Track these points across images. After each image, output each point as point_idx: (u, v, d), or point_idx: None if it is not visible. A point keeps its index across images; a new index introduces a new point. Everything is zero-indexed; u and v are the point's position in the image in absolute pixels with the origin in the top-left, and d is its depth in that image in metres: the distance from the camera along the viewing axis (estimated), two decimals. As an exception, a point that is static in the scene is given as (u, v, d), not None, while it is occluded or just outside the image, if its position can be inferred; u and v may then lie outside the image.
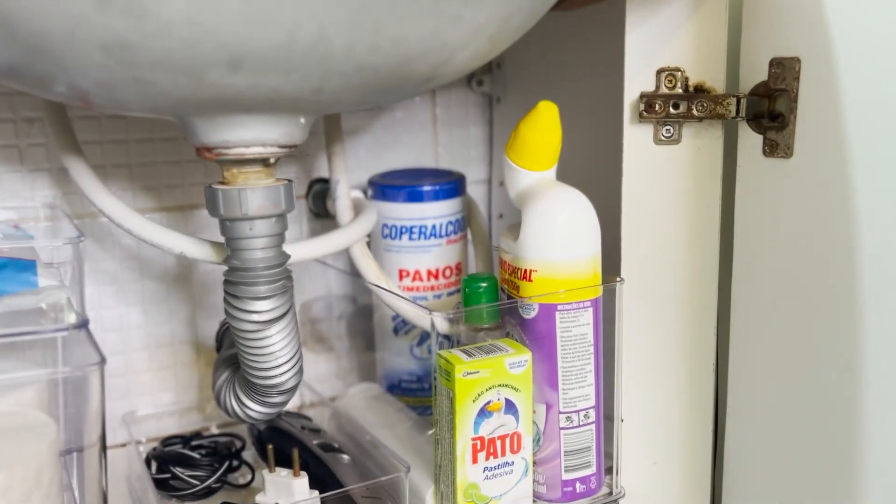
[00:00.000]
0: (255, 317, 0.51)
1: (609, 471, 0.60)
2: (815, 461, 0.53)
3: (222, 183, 0.50)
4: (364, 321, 0.79)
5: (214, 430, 0.73)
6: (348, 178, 0.75)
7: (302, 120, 0.47)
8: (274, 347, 0.54)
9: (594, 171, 0.68)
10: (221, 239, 0.52)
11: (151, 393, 0.73)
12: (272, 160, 0.49)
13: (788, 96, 0.52)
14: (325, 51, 0.40)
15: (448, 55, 0.45)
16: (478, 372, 0.52)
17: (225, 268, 0.52)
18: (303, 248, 0.58)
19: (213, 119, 0.46)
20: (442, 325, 0.59)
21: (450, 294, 0.70)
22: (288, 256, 0.53)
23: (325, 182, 0.77)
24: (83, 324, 0.47)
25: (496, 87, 0.84)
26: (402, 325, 0.71)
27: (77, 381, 0.47)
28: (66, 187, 0.67)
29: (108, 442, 0.71)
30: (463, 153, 0.85)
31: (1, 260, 0.50)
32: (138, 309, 0.72)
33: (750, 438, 0.58)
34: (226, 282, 0.52)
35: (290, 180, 0.52)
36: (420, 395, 0.72)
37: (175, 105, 0.43)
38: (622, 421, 0.60)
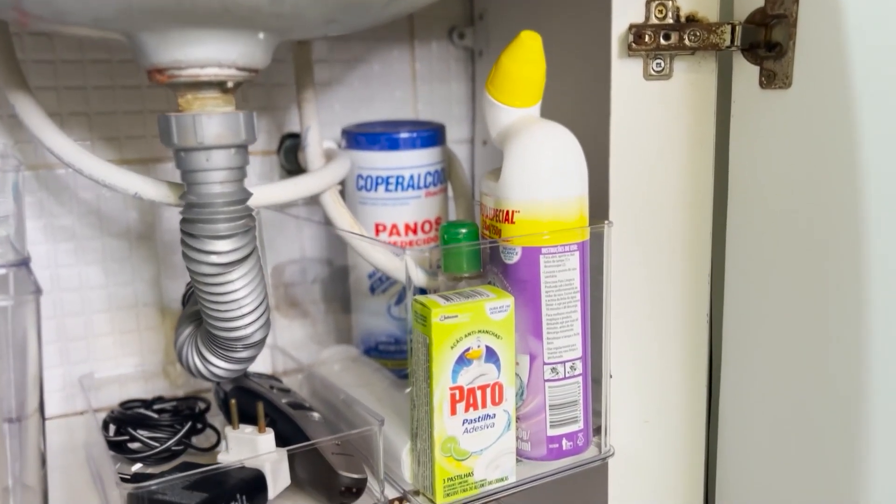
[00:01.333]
0: (214, 258, 0.48)
1: (598, 430, 0.57)
2: (817, 415, 0.50)
3: (177, 111, 0.46)
4: (340, 284, 0.75)
5: (180, 396, 0.69)
6: (321, 131, 0.72)
7: (261, 36, 0.43)
8: (237, 294, 0.50)
9: (581, 112, 0.64)
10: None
11: (114, 357, 0.69)
12: (230, 84, 0.45)
13: (787, 22, 0.49)
14: (281, -55, 0.36)
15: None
16: (456, 316, 0.48)
17: (182, 210, 0.48)
18: (268, 191, 0.54)
19: (164, 34, 0.42)
20: (417, 274, 0.55)
21: (430, 250, 0.67)
22: (249, 194, 0.49)
23: (296, 137, 0.73)
24: (23, 262, 0.43)
25: (479, 40, 0.80)
26: (378, 283, 0.67)
27: (18, 329, 0.43)
28: (19, 135, 0.63)
29: (68, 409, 0.67)
30: (444, 110, 0.82)
31: (-66, 195, 0.45)
32: (98, 268, 0.68)
33: (747, 393, 0.55)
34: (182, 221, 0.48)
35: (251, 111, 0.48)
36: (398, 358, 0.68)
37: (119, 14, 0.39)
38: (611, 376, 0.57)
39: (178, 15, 0.39)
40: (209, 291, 0.50)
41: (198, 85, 0.44)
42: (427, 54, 0.80)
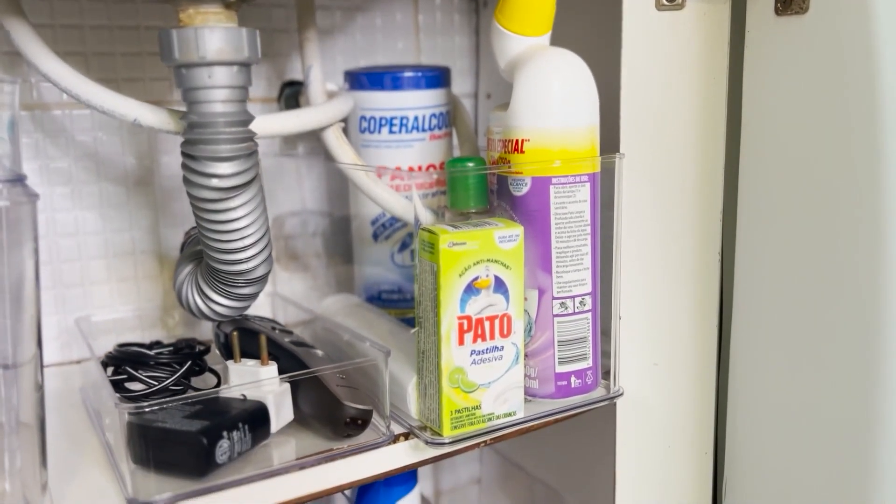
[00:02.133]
0: (215, 181, 0.46)
1: (606, 374, 0.56)
2: (830, 358, 0.49)
3: (178, 25, 0.44)
4: (341, 237, 0.74)
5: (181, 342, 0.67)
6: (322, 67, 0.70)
7: (266, -58, 0.42)
8: (239, 223, 0.49)
9: (592, 43, 0.63)
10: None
11: (110, 305, 0.67)
12: (233, -2, 0.44)
13: (804, -56, 0.48)
14: None
15: None
16: (465, 244, 0.47)
17: (183, 131, 0.46)
18: (270, 121, 0.53)
19: (165, -61, 0.40)
20: (424, 213, 0.54)
21: (433, 196, 0.65)
22: (252, 116, 0.47)
23: (297, 84, 0.71)
24: (18, 178, 0.41)
25: (482, -10, 0.79)
26: (382, 230, 0.66)
27: (14, 235, 0.41)
28: (14, 72, 0.61)
29: (64, 358, 0.66)
30: (448, 63, 0.80)
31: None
32: (96, 213, 0.66)
33: (758, 335, 0.54)
34: (183, 143, 0.47)
35: (255, 29, 0.46)
36: (402, 307, 0.67)
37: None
38: (620, 318, 0.56)
39: (181, -86, 0.38)
40: (210, 219, 0.48)
41: (199, -2, 0.43)
42: (430, 6, 0.79)
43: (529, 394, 0.53)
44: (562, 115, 0.50)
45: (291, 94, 0.71)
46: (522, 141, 0.50)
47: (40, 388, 0.44)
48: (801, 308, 0.50)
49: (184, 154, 0.47)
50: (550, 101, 0.49)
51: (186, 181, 0.47)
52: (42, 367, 0.44)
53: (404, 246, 0.66)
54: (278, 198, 0.74)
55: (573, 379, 0.53)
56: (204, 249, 0.51)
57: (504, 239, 0.48)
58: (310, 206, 0.75)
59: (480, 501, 0.90)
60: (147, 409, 0.43)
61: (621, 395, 0.55)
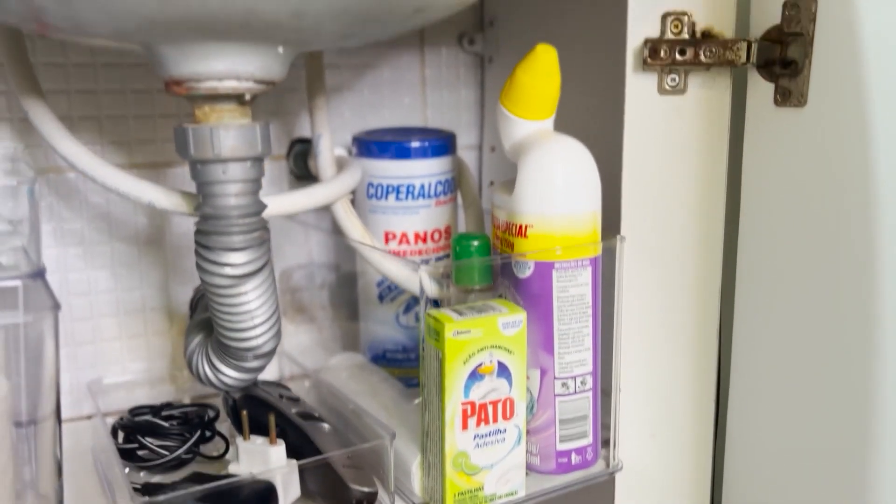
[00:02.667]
0: (228, 270, 0.48)
1: (606, 443, 0.57)
2: (824, 434, 0.50)
3: (194, 122, 0.46)
4: (348, 290, 0.75)
5: (187, 402, 0.69)
6: (332, 139, 0.72)
7: (280, 50, 0.43)
8: (249, 306, 0.50)
9: (594, 125, 0.64)
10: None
11: (121, 362, 0.69)
12: (248, 97, 0.45)
13: (804, 40, 0.49)
14: (305, -37, 0.36)
15: (441, -20, 0.41)
16: (469, 332, 0.48)
17: (197, 222, 0.48)
18: (281, 201, 0.54)
19: (183, 47, 0.42)
20: (431, 287, 0.55)
21: (438, 259, 0.67)
22: (264, 206, 0.49)
23: (307, 142, 0.72)
24: (38, 273, 0.42)
25: (488, 46, 0.80)
26: (387, 292, 0.67)
27: (33, 338, 0.43)
28: (29, 139, 0.62)
29: (75, 414, 0.67)
30: (453, 116, 0.82)
31: (-51, 204, 0.45)
32: (107, 273, 0.67)
33: (755, 410, 0.55)
34: (197, 232, 0.48)
35: (267, 122, 0.48)
36: (406, 366, 0.68)
37: (141, 26, 0.39)
38: (619, 390, 0.57)
39: (199, 29, 0.39)
40: (222, 302, 0.50)
41: (215, 97, 0.44)
42: (437, 60, 0.80)
43: (531, 468, 0.54)
44: (564, 202, 0.51)
45: (300, 152, 0.72)
46: (526, 226, 0.51)
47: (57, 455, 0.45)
48: (797, 386, 0.52)
49: (197, 243, 0.48)
50: (553, 190, 0.51)
51: (199, 268, 0.48)
52: (61, 427, 0.45)
53: (409, 308, 0.67)
54: (286, 251, 0.75)
55: (573, 455, 0.54)
56: (214, 325, 0.52)
57: (507, 325, 0.49)
58: (317, 259, 0.77)
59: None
60: (162, 500, 0.45)
61: (620, 469, 0.56)
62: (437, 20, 0.47)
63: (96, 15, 0.37)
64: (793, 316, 0.52)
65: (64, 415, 0.66)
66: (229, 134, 0.44)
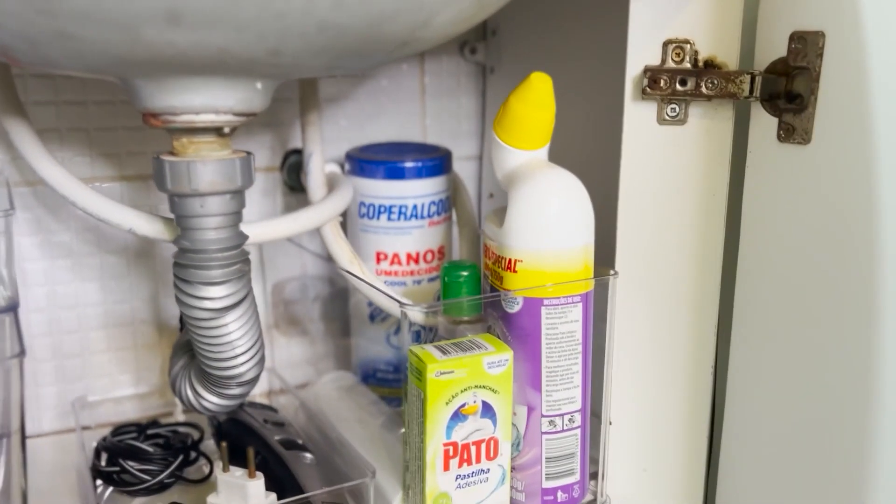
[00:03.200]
0: (207, 304, 0.46)
1: (595, 475, 0.56)
2: (820, 477, 0.49)
3: (172, 153, 0.44)
4: (340, 304, 0.74)
5: (179, 416, 0.68)
6: (327, 149, 0.70)
7: (259, 85, 0.42)
8: (230, 337, 0.49)
9: (591, 152, 0.62)
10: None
11: (110, 374, 0.68)
12: (227, 129, 0.44)
13: (809, 75, 0.47)
14: (279, 6, 0.34)
15: (426, 17, 0.39)
16: (452, 372, 0.47)
17: (175, 254, 0.47)
18: (264, 228, 0.53)
19: (158, 81, 0.40)
20: (418, 316, 0.54)
21: (431, 280, 0.65)
22: (245, 237, 0.47)
23: (300, 153, 0.71)
24: (10, 307, 0.42)
25: (490, 55, 0.78)
26: (378, 312, 0.66)
27: (5, 373, 0.42)
28: (15, 152, 0.61)
29: (63, 426, 0.67)
30: (453, 126, 0.80)
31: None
32: (96, 285, 0.67)
33: (748, 448, 0.54)
34: (175, 265, 0.47)
35: (248, 153, 0.46)
36: (396, 386, 0.67)
37: (112, 64, 0.38)
38: (610, 424, 0.56)
39: (172, 66, 0.38)
40: (203, 334, 0.49)
41: (193, 130, 0.43)
42: (437, 69, 0.78)
43: (516, 504, 0.53)
44: (555, 237, 0.49)
45: (294, 164, 0.70)
46: (515, 261, 0.50)
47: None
48: (792, 428, 0.50)
49: (176, 276, 0.47)
50: (543, 226, 0.49)
51: (179, 301, 0.47)
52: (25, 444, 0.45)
53: (400, 328, 0.66)
54: (278, 263, 0.74)
55: (560, 493, 0.53)
56: (196, 353, 0.51)
57: (493, 364, 0.48)
58: (311, 272, 0.76)
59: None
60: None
61: (608, 505, 0.55)
62: (423, 50, 0.45)
63: (64, 54, 0.36)
64: (790, 356, 0.50)
65: (51, 428, 0.67)
66: (207, 168, 0.43)
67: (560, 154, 0.54)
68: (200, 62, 0.38)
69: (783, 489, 0.51)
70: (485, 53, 0.79)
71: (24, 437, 0.49)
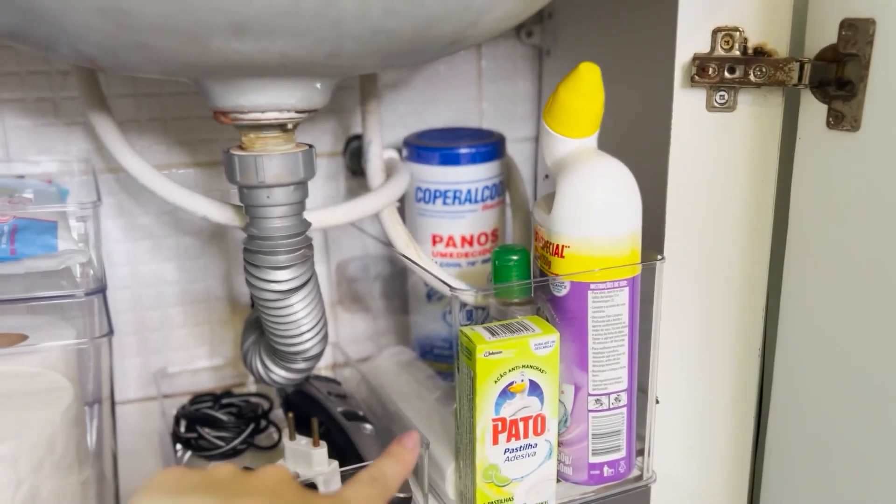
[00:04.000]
0: (274, 286, 0.50)
1: (641, 452, 0.58)
2: (866, 458, 0.49)
3: (240, 148, 0.48)
4: (400, 283, 0.77)
5: (251, 387, 0.73)
6: (386, 135, 0.73)
7: (318, 85, 0.45)
8: (296, 315, 0.53)
9: (643, 137, 0.63)
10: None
11: (187, 348, 0.74)
12: (290, 125, 0.47)
13: (859, 62, 0.47)
14: (334, 15, 0.37)
15: (474, 17, 0.41)
16: (500, 352, 0.49)
17: (245, 240, 0.51)
18: (326, 215, 0.56)
19: (227, 83, 0.44)
20: (468, 300, 0.57)
21: (485, 262, 0.68)
22: (308, 225, 0.51)
23: (361, 139, 0.74)
24: (99, 290, 0.46)
25: (546, 38, 0.79)
26: (434, 291, 0.69)
27: (96, 351, 0.47)
28: (99, 142, 0.66)
29: (146, 395, 0.73)
30: (509, 109, 0.81)
31: (23, 221, 0.49)
32: (174, 265, 0.72)
33: (795, 430, 0.55)
34: (245, 250, 0.51)
35: (310, 146, 0.49)
36: (451, 362, 0.70)
37: (184, 69, 0.41)
38: (658, 402, 0.57)
39: (239, 70, 0.41)
40: (271, 313, 0.52)
41: (259, 127, 0.46)
42: (494, 52, 0.80)
43: (564, 478, 0.56)
44: (602, 225, 0.51)
45: (356, 150, 0.74)
46: (563, 247, 0.52)
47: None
48: (838, 408, 0.51)
49: (246, 260, 0.51)
50: (591, 214, 0.51)
51: (249, 283, 0.51)
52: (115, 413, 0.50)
53: (461, 307, 0.69)
54: (342, 243, 0.78)
55: (606, 468, 0.55)
56: (265, 330, 0.55)
57: (540, 346, 0.50)
58: (372, 252, 0.79)
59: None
60: None
61: (654, 481, 0.57)
62: (469, 47, 0.47)
63: (141, 61, 0.40)
64: (838, 338, 0.51)
65: (135, 396, 0.72)
66: (273, 162, 0.47)
67: (613, 139, 0.55)
68: (264, 67, 0.41)
69: (829, 471, 0.52)
70: (541, 36, 0.80)
71: (113, 405, 0.54)
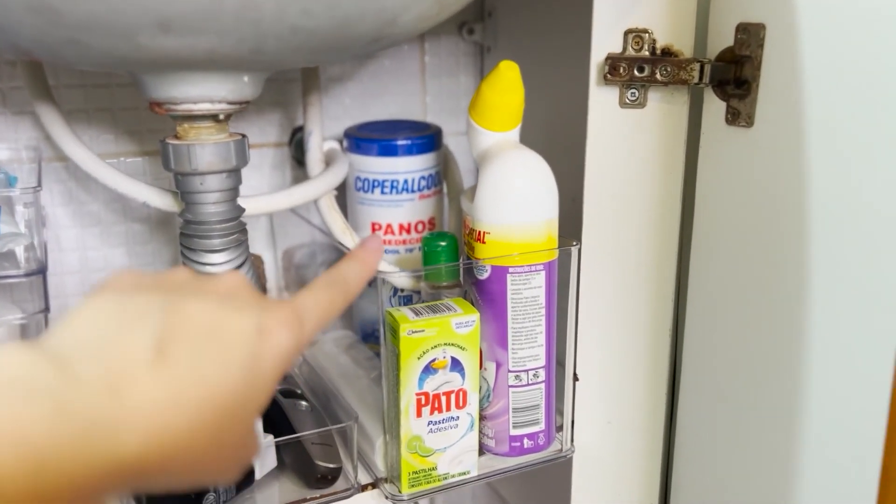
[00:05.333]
0: (209, 269, 0.53)
1: (562, 428, 0.62)
2: (769, 427, 0.54)
3: (175, 137, 0.51)
4: (345, 269, 0.80)
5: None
6: (330, 126, 0.76)
7: (246, 78, 0.48)
8: (232, 297, 0.56)
9: (569, 130, 0.67)
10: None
11: (136, 331, 0.76)
12: (222, 116, 0.50)
13: (753, 63, 0.51)
14: (254, 15, 0.40)
15: (390, 17, 0.44)
16: (423, 331, 0.53)
17: (181, 225, 0.53)
18: (260, 202, 0.59)
19: (159, 76, 0.46)
20: (401, 283, 0.60)
21: (418, 250, 0.71)
22: (242, 210, 0.54)
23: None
24: (39, 271, 0.49)
25: (487, 36, 0.83)
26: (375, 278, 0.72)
27: (37, 326, 0.50)
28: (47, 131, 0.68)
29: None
30: (452, 103, 0.85)
31: (-33, 206, 0.52)
32: (123, 251, 0.74)
33: (704, 404, 0.59)
34: (181, 234, 0.53)
35: (243, 135, 0.52)
36: (392, 344, 0.73)
37: (117, 63, 0.44)
38: (577, 380, 0.61)
39: (170, 64, 0.44)
40: (207, 294, 0.55)
41: (192, 117, 0.49)
42: (437, 49, 0.83)
43: (487, 450, 0.59)
44: (520, 212, 0.55)
45: (301, 140, 0.76)
46: (484, 233, 0.55)
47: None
48: (739, 378, 0.55)
49: (182, 244, 0.53)
50: (509, 202, 0.54)
51: (185, 265, 0.54)
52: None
53: (397, 291, 0.72)
54: (288, 231, 0.80)
55: (526, 440, 0.59)
56: (205, 312, 0.58)
57: (461, 325, 0.54)
58: (319, 239, 0.82)
59: (473, 501, 0.98)
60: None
61: (572, 453, 0.61)
62: (396, 44, 0.50)
63: (76, 56, 0.42)
64: (739, 318, 0.55)
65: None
66: (205, 151, 0.49)
67: (543, 132, 0.59)
68: (193, 61, 0.43)
69: (738, 441, 0.57)
70: (482, 34, 0.83)
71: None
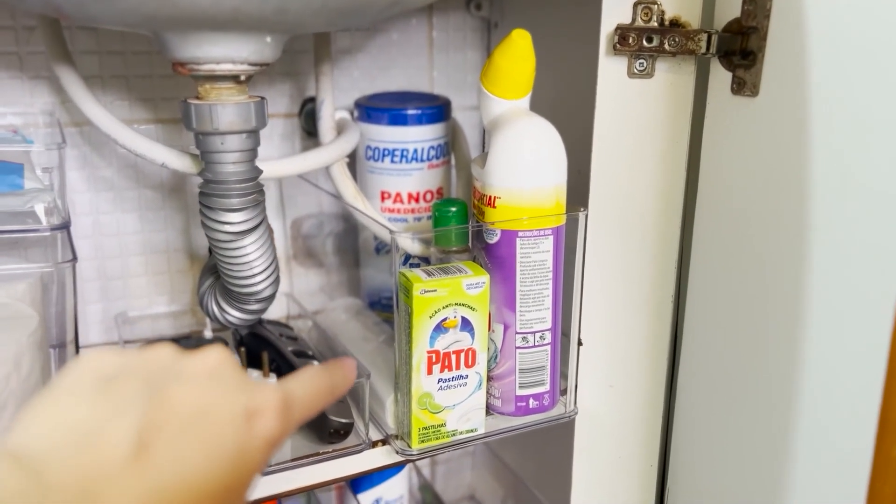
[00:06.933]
0: (227, 227, 0.54)
1: (566, 391, 0.64)
2: (763, 391, 0.56)
3: (197, 98, 0.52)
4: (352, 239, 0.82)
5: (207, 334, 0.77)
6: (339, 98, 0.77)
7: (269, 39, 0.49)
8: (249, 257, 0.57)
9: (576, 100, 0.68)
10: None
11: (148, 296, 0.77)
12: (243, 77, 0.51)
13: (759, 34, 0.52)
14: (281, -27, 0.41)
15: (410, -19, 0.46)
16: (435, 290, 0.54)
17: (200, 185, 0.55)
18: (277, 165, 0.60)
19: (184, 35, 0.47)
20: (411, 247, 0.62)
21: (430, 217, 0.73)
22: (260, 171, 0.55)
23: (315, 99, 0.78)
24: (63, 226, 0.50)
25: (494, 11, 0.84)
26: (382, 245, 0.74)
27: (60, 279, 0.51)
28: (65, 95, 0.69)
29: (107, 339, 0.76)
30: (458, 78, 0.86)
31: (-9, 162, 0.53)
32: (135, 216, 0.75)
33: (704, 368, 0.61)
34: (201, 194, 0.55)
35: (262, 97, 0.53)
36: (399, 311, 0.75)
37: (144, 20, 0.45)
38: (581, 344, 0.63)
39: (194, 23, 0.45)
40: (225, 254, 0.57)
41: (214, 77, 0.50)
42: (444, 24, 0.84)
43: (494, 410, 0.61)
44: (530, 177, 0.56)
45: (311, 111, 0.78)
46: (494, 198, 0.57)
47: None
48: (739, 344, 0.57)
49: (201, 203, 0.55)
50: (520, 166, 0.56)
51: (204, 225, 0.55)
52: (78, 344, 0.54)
53: (407, 259, 0.74)
54: (297, 201, 0.82)
55: (531, 400, 0.61)
56: (220, 272, 0.60)
57: (471, 286, 0.55)
58: (326, 209, 0.83)
59: (473, 469, 1.00)
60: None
61: (576, 414, 0.63)
62: (414, 8, 0.51)
63: (105, 12, 0.43)
64: (741, 284, 0.57)
65: (96, 340, 0.76)
66: (226, 110, 0.51)
67: (552, 101, 0.60)
68: (218, 19, 0.45)
69: (735, 404, 0.58)
70: (489, 9, 0.84)
71: (77, 348, 0.57)
